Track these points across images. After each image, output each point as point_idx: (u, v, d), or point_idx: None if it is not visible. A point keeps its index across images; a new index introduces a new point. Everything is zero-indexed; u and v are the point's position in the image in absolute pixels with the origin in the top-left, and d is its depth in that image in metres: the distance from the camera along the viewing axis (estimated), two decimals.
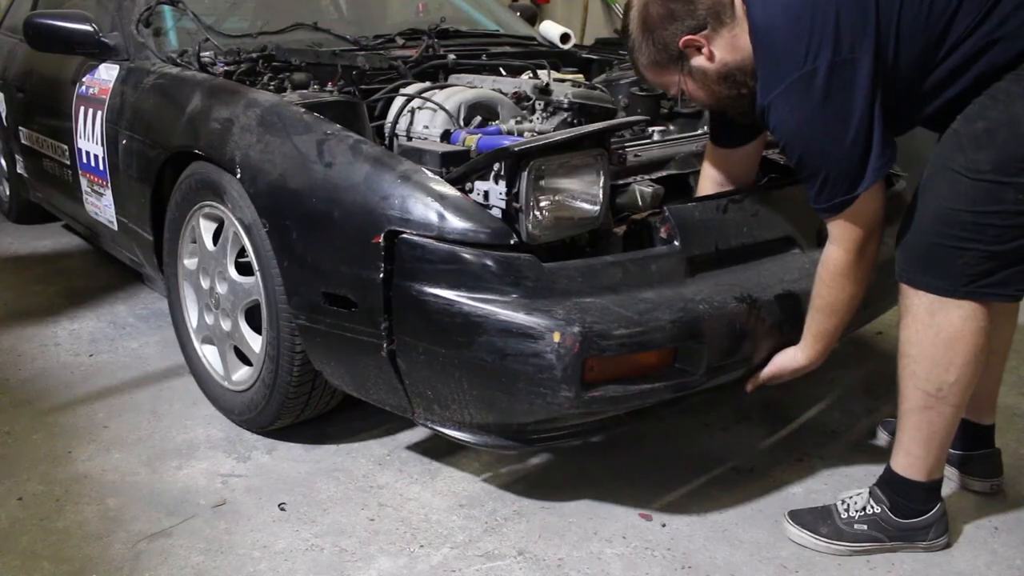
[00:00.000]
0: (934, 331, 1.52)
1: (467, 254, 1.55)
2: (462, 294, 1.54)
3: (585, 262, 1.61)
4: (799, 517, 1.72)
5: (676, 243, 1.70)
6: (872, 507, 1.67)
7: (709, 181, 1.88)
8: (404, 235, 1.59)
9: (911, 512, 1.64)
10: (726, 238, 1.77)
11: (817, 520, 1.70)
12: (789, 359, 1.70)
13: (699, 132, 2.26)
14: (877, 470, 1.72)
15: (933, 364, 1.53)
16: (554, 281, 1.55)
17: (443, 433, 1.69)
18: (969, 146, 1.44)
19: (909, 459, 1.62)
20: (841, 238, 1.55)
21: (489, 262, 1.54)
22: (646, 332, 1.53)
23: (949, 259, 1.48)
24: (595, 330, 1.48)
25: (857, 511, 1.68)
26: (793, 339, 1.70)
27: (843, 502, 1.71)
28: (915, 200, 1.54)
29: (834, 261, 1.57)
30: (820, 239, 1.89)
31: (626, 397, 1.57)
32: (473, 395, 1.59)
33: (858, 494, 1.70)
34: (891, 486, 1.66)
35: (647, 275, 1.64)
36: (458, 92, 2.05)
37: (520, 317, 1.50)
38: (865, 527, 1.66)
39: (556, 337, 1.47)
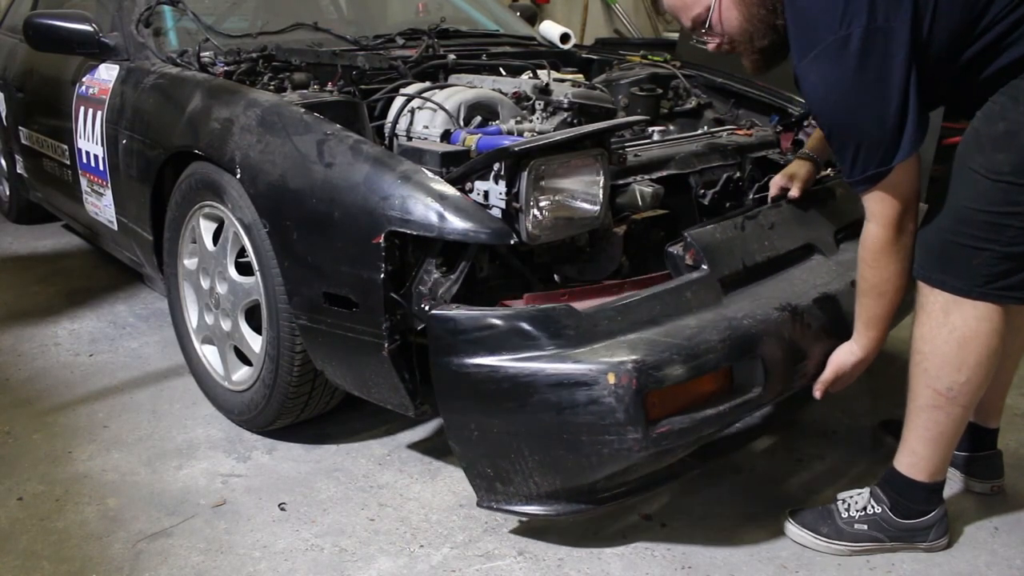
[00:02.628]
0: (948, 330, 1.51)
1: (498, 318, 1.51)
2: (504, 357, 1.50)
3: (620, 300, 1.57)
4: (800, 517, 1.72)
5: (704, 267, 1.66)
6: (873, 507, 1.67)
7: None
8: (434, 312, 1.55)
9: (912, 512, 1.64)
10: (751, 254, 1.75)
11: (818, 520, 1.70)
12: (845, 354, 1.66)
13: (699, 132, 2.26)
14: (878, 470, 1.72)
15: (945, 362, 1.53)
16: (594, 324, 1.50)
17: (511, 512, 1.64)
18: (989, 146, 1.43)
19: (913, 459, 1.62)
20: (877, 214, 1.50)
21: (524, 321, 1.49)
22: (699, 356, 1.49)
23: (966, 258, 1.47)
24: (648, 363, 1.44)
25: (858, 511, 1.68)
26: (842, 339, 1.69)
27: (843, 502, 1.71)
28: (935, 198, 1.54)
29: (873, 239, 1.53)
30: (839, 242, 1.92)
31: (694, 426, 1.51)
32: (536, 461, 1.54)
33: (859, 494, 1.70)
34: (893, 486, 1.66)
35: (684, 303, 1.60)
36: (458, 92, 2.05)
37: (569, 367, 1.45)
38: (865, 527, 1.66)
39: (611, 378, 1.42)
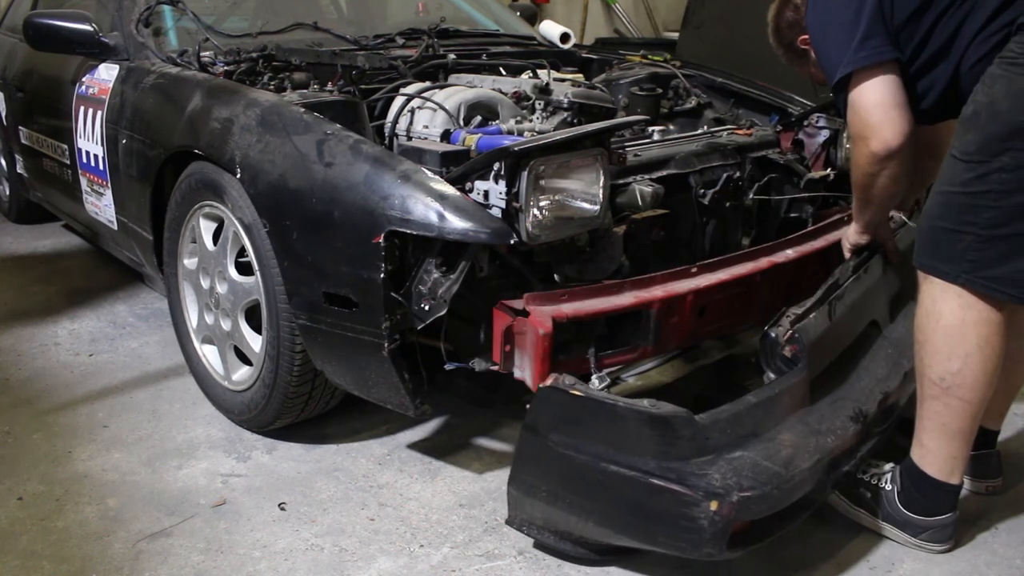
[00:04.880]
0: (935, 318, 1.55)
1: (621, 409, 1.46)
2: (610, 450, 1.47)
3: (733, 410, 1.52)
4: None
5: (802, 366, 1.60)
6: (886, 483, 1.69)
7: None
8: (553, 385, 1.51)
9: (916, 506, 1.65)
10: (836, 346, 1.73)
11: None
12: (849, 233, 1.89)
13: (699, 132, 2.26)
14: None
15: (935, 351, 1.56)
16: (707, 437, 1.47)
17: (537, 539, 1.64)
18: (960, 129, 1.50)
19: (922, 450, 1.63)
20: (850, 125, 1.66)
21: (645, 422, 1.45)
22: (792, 488, 1.48)
23: (950, 242, 1.51)
24: (751, 496, 1.42)
25: (871, 477, 1.71)
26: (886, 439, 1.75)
27: (870, 465, 1.73)
28: (931, 189, 1.59)
29: (851, 149, 1.70)
30: (893, 312, 1.93)
31: (758, 544, 1.51)
32: (597, 531, 1.53)
33: (887, 466, 1.72)
34: (907, 473, 1.67)
35: (780, 409, 1.57)
36: (458, 92, 2.05)
37: (675, 482, 1.42)
38: (868, 495, 1.69)
39: (713, 506, 1.40)
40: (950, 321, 1.53)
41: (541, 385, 1.54)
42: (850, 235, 1.89)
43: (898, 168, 1.62)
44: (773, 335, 1.61)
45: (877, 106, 1.58)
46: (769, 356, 1.62)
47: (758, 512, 1.45)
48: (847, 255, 1.89)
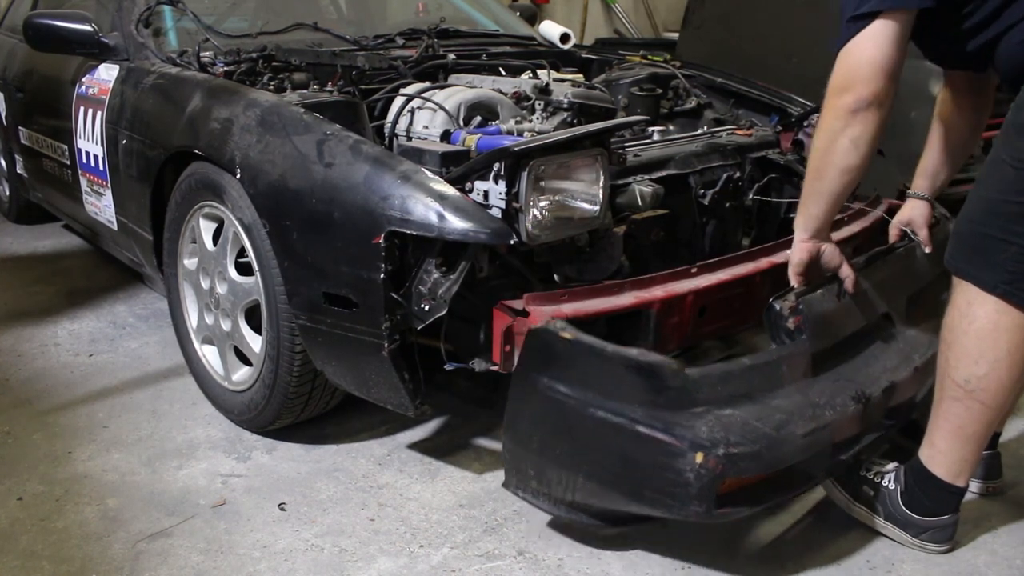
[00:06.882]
0: (968, 321, 1.52)
1: (609, 353, 1.46)
2: (598, 396, 1.47)
3: (725, 368, 1.53)
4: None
5: (804, 338, 1.59)
6: (889, 482, 1.68)
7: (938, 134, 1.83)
8: (545, 326, 1.51)
9: (919, 506, 1.64)
10: (843, 327, 1.70)
11: (845, 472, 1.72)
12: (793, 250, 1.68)
13: (699, 132, 2.26)
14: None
15: (964, 353, 1.54)
16: (697, 390, 1.47)
17: (532, 504, 1.64)
18: (1015, 135, 1.44)
19: (932, 451, 1.62)
20: (833, 76, 1.52)
21: (633, 368, 1.45)
22: (783, 450, 1.46)
23: (992, 251, 1.47)
24: (738, 452, 1.41)
25: (874, 476, 1.70)
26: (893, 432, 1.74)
27: (873, 464, 1.72)
28: (971, 191, 1.54)
29: (822, 108, 1.56)
30: (909, 310, 1.87)
31: (750, 509, 1.51)
32: (587, 487, 1.53)
33: (891, 465, 1.71)
34: (913, 472, 1.66)
35: (777, 377, 1.56)
36: (458, 92, 2.05)
37: (662, 431, 1.42)
38: (872, 493, 1.68)
39: (699, 458, 1.39)
40: (983, 325, 1.50)
41: (531, 327, 1.53)
42: (793, 251, 1.68)
43: (862, 131, 1.50)
44: (777, 307, 1.60)
45: (872, 63, 1.47)
46: (773, 327, 1.61)
47: (746, 470, 1.43)
48: (794, 282, 1.68)
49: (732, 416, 1.46)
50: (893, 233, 1.92)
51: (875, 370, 1.70)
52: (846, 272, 1.69)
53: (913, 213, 1.90)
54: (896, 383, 1.70)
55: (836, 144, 1.52)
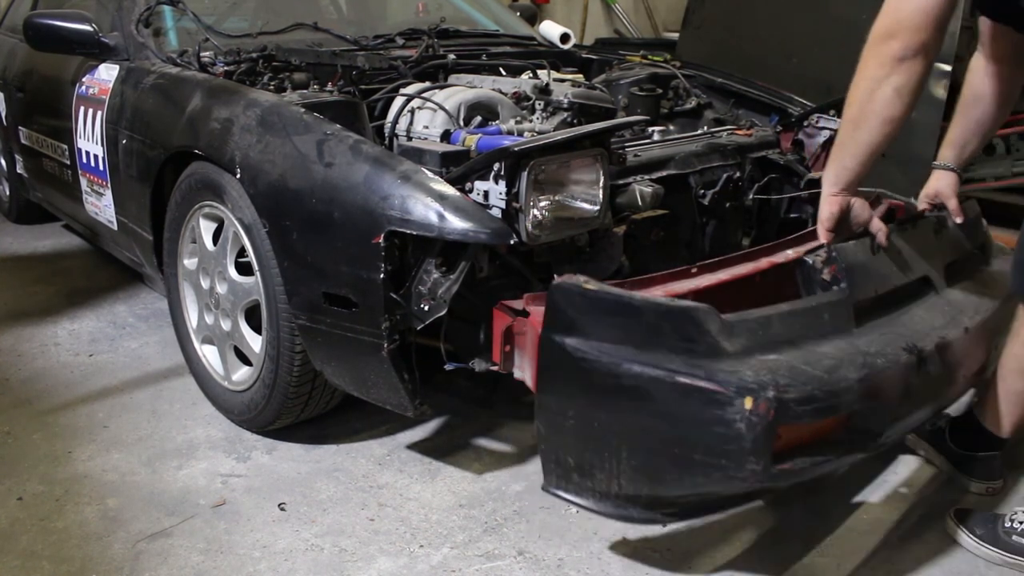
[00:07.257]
0: None
1: (638, 302, 1.35)
2: (632, 351, 1.35)
3: (763, 312, 1.43)
4: (962, 515, 1.70)
5: (844, 286, 1.51)
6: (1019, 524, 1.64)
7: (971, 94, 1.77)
8: (562, 282, 1.42)
9: None
10: (882, 281, 1.60)
11: (978, 522, 1.68)
12: (822, 204, 1.58)
13: (699, 132, 2.26)
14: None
15: None
16: (735, 335, 1.36)
17: (576, 504, 1.51)
18: None
19: None
20: (879, 21, 1.45)
21: (664, 316, 1.34)
22: (838, 394, 1.35)
23: None
24: (790, 395, 1.29)
25: (1020, 523, 1.64)
26: (957, 392, 1.67)
27: (1014, 513, 1.67)
28: None
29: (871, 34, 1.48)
30: (948, 277, 1.79)
31: (812, 468, 1.40)
32: (632, 466, 1.40)
33: None
34: None
35: (821, 325, 1.45)
36: (458, 92, 2.05)
37: (704, 380, 1.30)
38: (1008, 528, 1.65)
39: (748, 403, 1.27)
40: None
41: (552, 284, 1.44)
42: (822, 205, 1.58)
43: (906, 80, 1.42)
44: (810, 260, 1.52)
45: (922, 9, 1.40)
46: (807, 281, 1.54)
47: (801, 415, 1.30)
48: (824, 238, 1.59)
49: (778, 361, 1.35)
50: (922, 205, 1.86)
51: (923, 327, 1.59)
52: (877, 225, 1.60)
53: (940, 184, 1.83)
54: (948, 342, 1.59)
55: (878, 92, 1.45)
